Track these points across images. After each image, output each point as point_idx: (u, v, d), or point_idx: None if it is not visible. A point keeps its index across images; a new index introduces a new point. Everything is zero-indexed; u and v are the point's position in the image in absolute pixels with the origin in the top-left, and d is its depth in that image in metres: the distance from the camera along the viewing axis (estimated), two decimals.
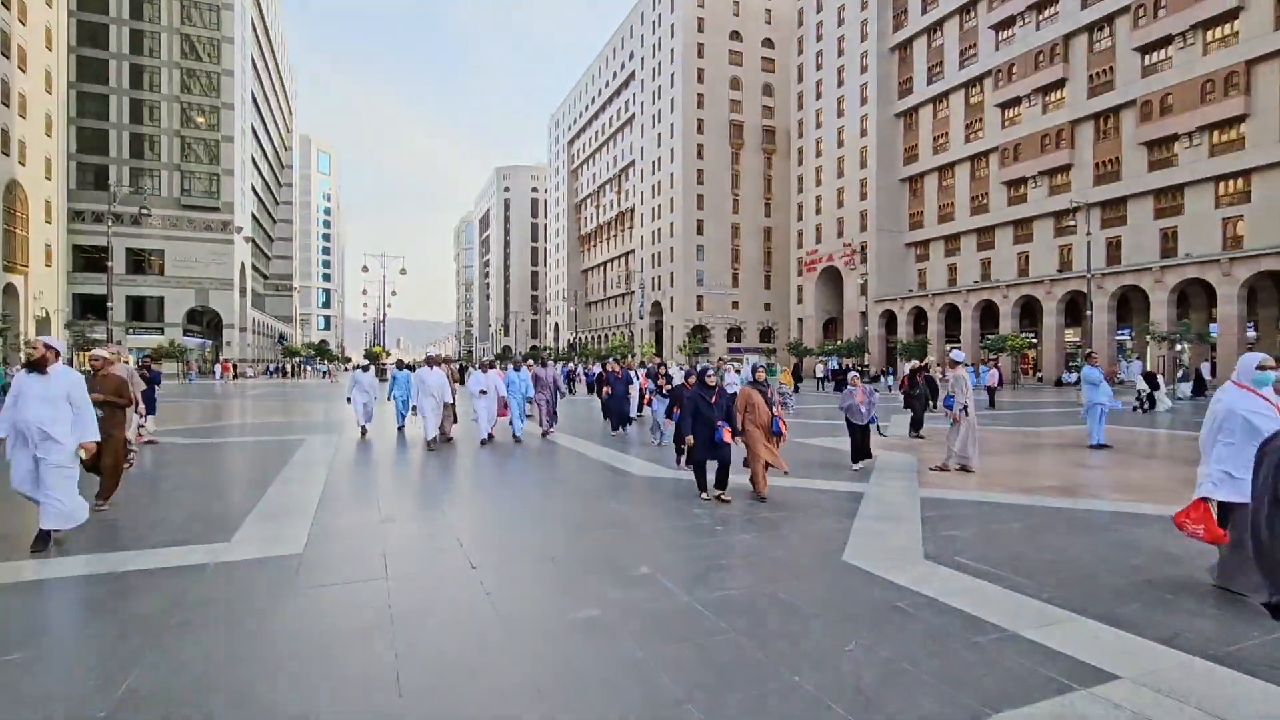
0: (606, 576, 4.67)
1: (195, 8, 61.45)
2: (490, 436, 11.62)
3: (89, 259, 55.58)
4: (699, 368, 7.15)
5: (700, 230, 73.36)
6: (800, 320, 66.77)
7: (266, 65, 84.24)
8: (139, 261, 59.59)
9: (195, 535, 5.71)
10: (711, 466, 7.28)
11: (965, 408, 8.84)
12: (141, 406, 9.11)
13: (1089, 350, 12.28)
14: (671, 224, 75.12)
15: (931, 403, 13.50)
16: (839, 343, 58.34)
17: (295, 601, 4.21)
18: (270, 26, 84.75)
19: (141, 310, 59.73)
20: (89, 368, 6.79)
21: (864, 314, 58.69)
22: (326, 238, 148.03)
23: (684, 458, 8.88)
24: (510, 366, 12.58)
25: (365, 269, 50.19)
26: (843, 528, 6.00)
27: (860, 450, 9.13)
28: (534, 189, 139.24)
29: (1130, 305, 43.06)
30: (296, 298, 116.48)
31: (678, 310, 73.60)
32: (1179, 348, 37.74)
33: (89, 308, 53.26)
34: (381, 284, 49.33)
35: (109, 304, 33.13)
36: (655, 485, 8.10)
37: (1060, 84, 45.91)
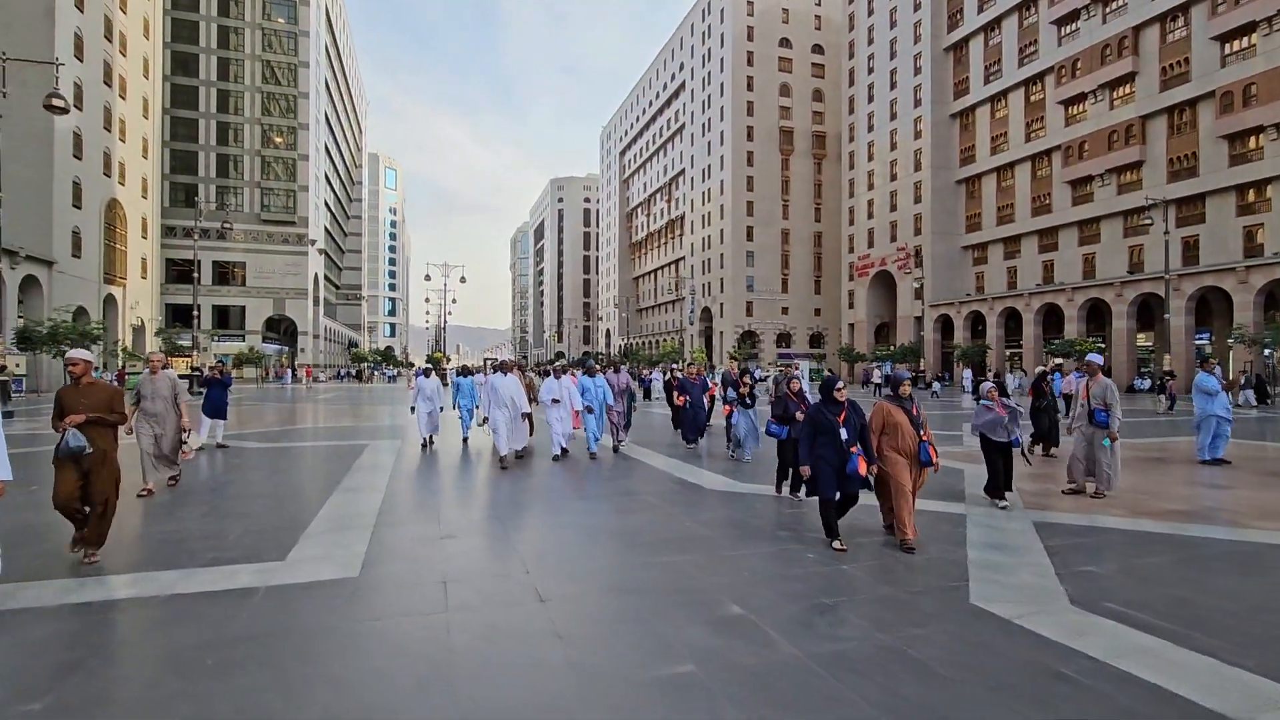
0: (693, 616, 3.93)
1: (275, 36, 63.87)
2: (564, 451, 10.37)
3: (180, 271, 58.23)
4: (825, 377, 5.74)
5: (750, 236, 71.99)
6: (851, 325, 64.64)
7: (339, 87, 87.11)
8: (224, 273, 62.10)
9: (249, 552, 5.24)
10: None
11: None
12: (185, 418, 7.82)
13: (1205, 356, 10.62)
14: (721, 231, 73.98)
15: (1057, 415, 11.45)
16: (892, 348, 56.15)
17: (345, 639, 3.61)
18: (342, 51, 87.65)
19: (225, 318, 62.19)
20: (67, 374, 5.17)
21: (918, 319, 56.38)
22: (392, 249, 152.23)
23: (795, 488, 7.39)
24: (583, 373, 11.30)
25: (428, 278, 51.12)
26: (954, 559, 5.09)
27: (1002, 480, 6.95)
28: (586, 199, 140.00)
29: (1210, 307, 39.79)
30: (365, 306, 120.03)
31: (727, 316, 72.36)
32: (1267, 353, 34.55)
33: (179, 316, 55.76)
34: (443, 292, 49.99)
35: (194, 312, 34.33)
36: (736, 504, 7.31)
37: (1129, 78, 42.95)
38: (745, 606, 4.09)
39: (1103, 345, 44.24)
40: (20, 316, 31.66)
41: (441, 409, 12.56)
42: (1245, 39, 37.19)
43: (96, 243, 42.54)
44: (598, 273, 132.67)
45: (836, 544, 5.35)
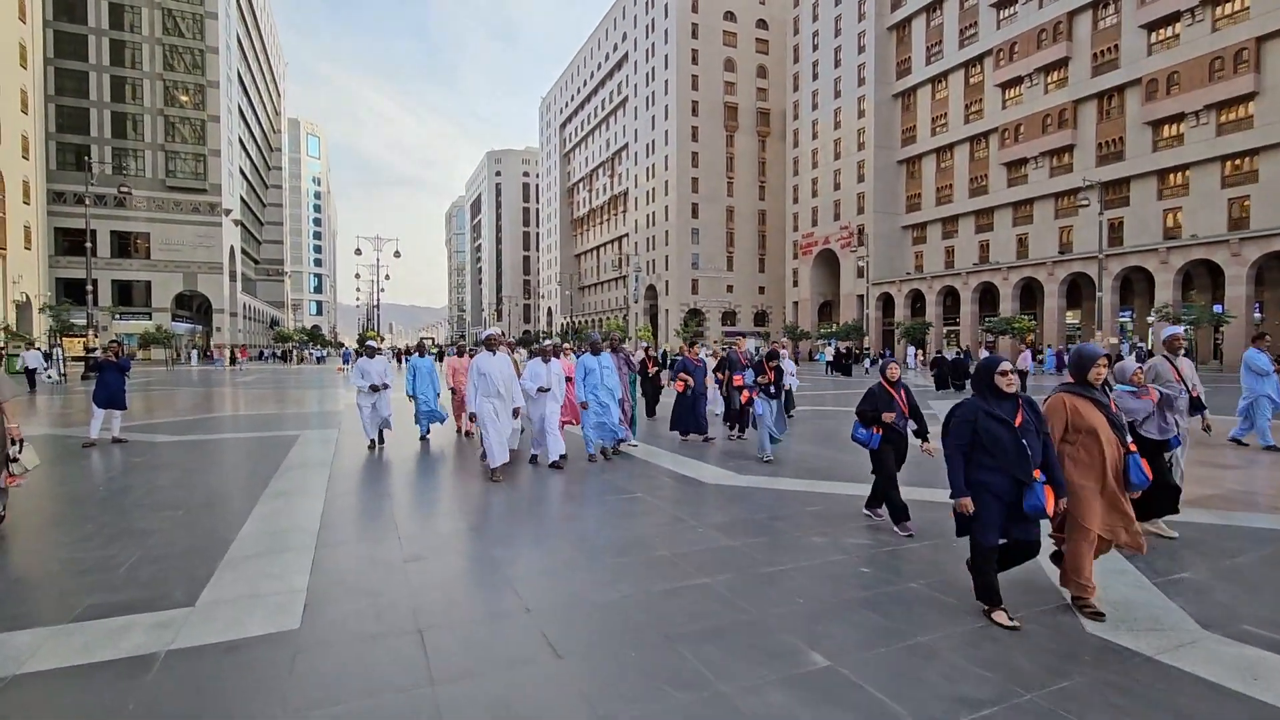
0: (768, 672, 2.98)
1: None
2: (563, 458, 7.92)
3: (73, 242, 52.71)
4: (985, 355, 4.10)
5: (695, 214, 71.30)
6: (796, 304, 65.21)
7: (253, 45, 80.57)
8: (124, 244, 56.70)
9: (147, 592, 3.95)
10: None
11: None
12: (13, 423, 6.65)
13: (1258, 332, 9.66)
14: (666, 207, 72.98)
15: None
16: (835, 326, 56.91)
17: None
18: (256, 5, 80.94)
19: (129, 294, 56.92)
20: None
21: (860, 297, 57.26)
22: (318, 222, 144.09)
23: (900, 515, 5.23)
24: (588, 351, 8.68)
25: (359, 251, 47.95)
26: (1029, 568, 4.34)
27: (1166, 501, 4.71)
28: (525, 173, 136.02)
29: (1133, 287, 41.82)
30: (288, 282, 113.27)
31: (673, 294, 71.70)
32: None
33: (73, 292, 50.44)
34: (376, 267, 47.08)
35: (88, 288, 30.77)
36: (745, 502, 6.40)
37: (1063, 63, 44.22)
38: (828, 652, 3.17)
39: (1034, 323, 46.01)
40: None
41: (385, 387, 9.50)
42: (1170, 28, 38.72)
43: None
44: (538, 249, 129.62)
45: (1001, 616, 3.51)
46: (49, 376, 21.32)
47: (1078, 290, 44.40)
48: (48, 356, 32.82)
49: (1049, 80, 45.18)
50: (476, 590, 4.07)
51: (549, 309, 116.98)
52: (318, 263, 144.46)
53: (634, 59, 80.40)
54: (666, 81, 72.05)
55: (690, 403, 9.95)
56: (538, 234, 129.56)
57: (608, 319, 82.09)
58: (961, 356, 21.44)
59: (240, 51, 71.93)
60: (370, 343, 9.62)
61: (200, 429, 11.80)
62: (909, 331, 45.43)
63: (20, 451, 5.41)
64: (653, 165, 75.87)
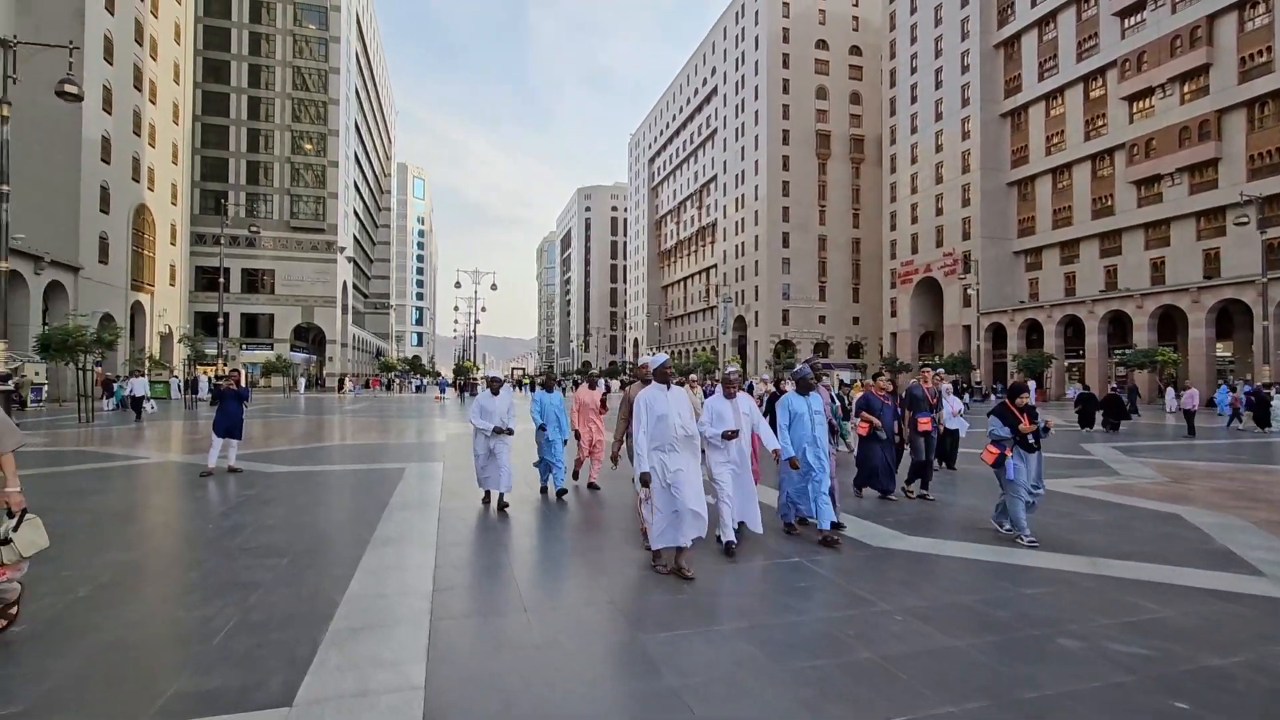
0: None
1: (306, 42, 63.46)
2: (738, 532, 5.84)
3: (209, 279, 57.62)
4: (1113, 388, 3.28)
5: (786, 243, 69.70)
6: (894, 334, 61.87)
7: (369, 95, 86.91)
8: (252, 281, 61.45)
9: (241, 677, 3.23)
10: None
11: None
12: (12, 487, 6.41)
13: None
14: (756, 237, 71.79)
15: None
16: (938, 358, 53.30)
17: None
18: (372, 58, 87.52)
19: (254, 326, 61.47)
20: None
21: (967, 328, 53.52)
22: (420, 259, 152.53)
23: None
24: (794, 388, 6.49)
25: (459, 284, 49.68)
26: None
27: None
28: (614, 208, 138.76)
29: None
30: (393, 315, 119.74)
31: (763, 325, 70.04)
32: None
33: (207, 324, 55.01)
34: (474, 298, 48.45)
35: (219, 320, 33.10)
36: (974, 582, 5.13)
37: (1202, 70, 40.02)
38: None
39: (1176, 355, 41.08)
40: (45, 324, 30.58)
41: (509, 432, 7.36)
42: None
43: (124, 249, 41.74)
44: (625, 281, 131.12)
45: None
46: (151, 406, 21.75)
47: (1228, 319, 39.34)
48: (194, 385, 35.40)
49: (1185, 90, 41.01)
50: (637, 703, 3.08)
51: (635, 340, 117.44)
52: (419, 296, 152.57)
53: (723, 92, 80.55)
54: (757, 112, 71.50)
55: (877, 451, 7.77)
56: (625, 267, 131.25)
57: (698, 350, 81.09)
58: (1116, 391, 18.76)
59: (358, 102, 77.64)
60: (492, 373, 7.79)
61: (310, 459, 11.67)
62: (1027, 364, 41.62)
63: (17, 529, 3.67)
64: (742, 196, 75.11)
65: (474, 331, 50.78)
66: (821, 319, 70.14)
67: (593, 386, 9.11)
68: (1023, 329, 49.64)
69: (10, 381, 19.53)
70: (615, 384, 40.34)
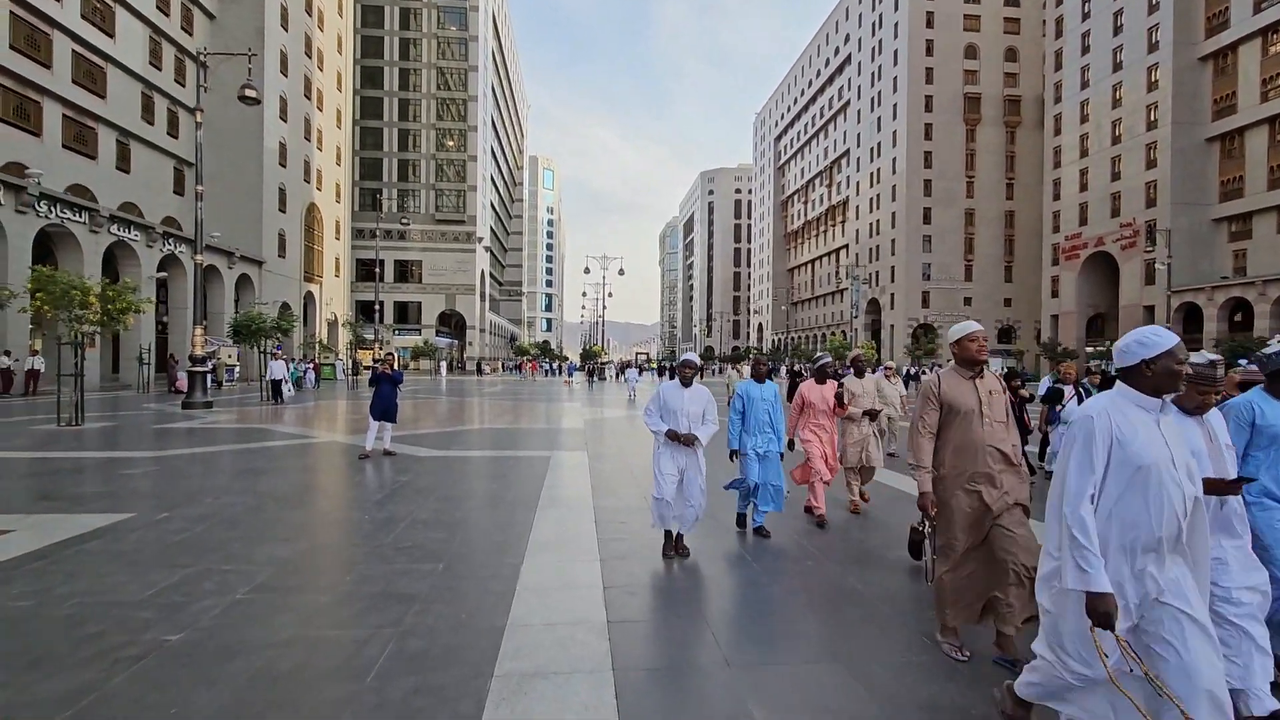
0: None
1: (448, 44, 66.76)
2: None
3: (367, 270, 62.58)
4: None
5: (927, 219, 64.23)
6: (1055, 317, 55.11)
7: (503, 91, 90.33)
8: (403, 271, 66.10)
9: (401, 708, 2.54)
10: None
11: None
12: None
13: None
14: (893, 214, 66.77)
15: None
16: (1110, 344, 46.67)
17: None
18: (506, 55, 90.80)
19: (405, 313, 66.20)
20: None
21: (1149, 309, 46.39)
22: (550, 247, 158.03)
23: None
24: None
25: (587, 270, 50.35)
26: None
27: None
28: (737, 190, 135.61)
29: None
30: (525, 301, 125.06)
31: (899, 308, 65.22)
32: None
33: (365, 311, 59.85)
34: (602, 284, 48.78)
35: (375, 307, 35.55)
36: None
37: None
38: None
39: None
40: (236, 313, 34.24)
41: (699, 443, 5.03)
42: None
43: (298, 244, 46.00)
44: (749, 265, 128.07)
45: None
46: (289, 390, 21.41)
47: None
48: (356, 367, 38.51)
49: None
50: None
51: (759, 325, 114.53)
52: (549, 283, 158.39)
53: (857, 60, 75.38)
54: (895, 79, 66.15)
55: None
56: (749, 250, 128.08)
57: (830, 335, 77.32)
58: None
59: (494, 98, 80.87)
60: (687, 356, 5.04)
61: (457, 443, 11.67)
62: (1233, 350, 35.04)
63: None
64: (877, 170, 70.15)
65: (602, 316, 51.22)
66: (967, 301, 64.16)
67: (823, 379, 6.31)
68: (1224, 309, 42.16)
69: (209, 363, 21.78)
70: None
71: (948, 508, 3.31)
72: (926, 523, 3.65)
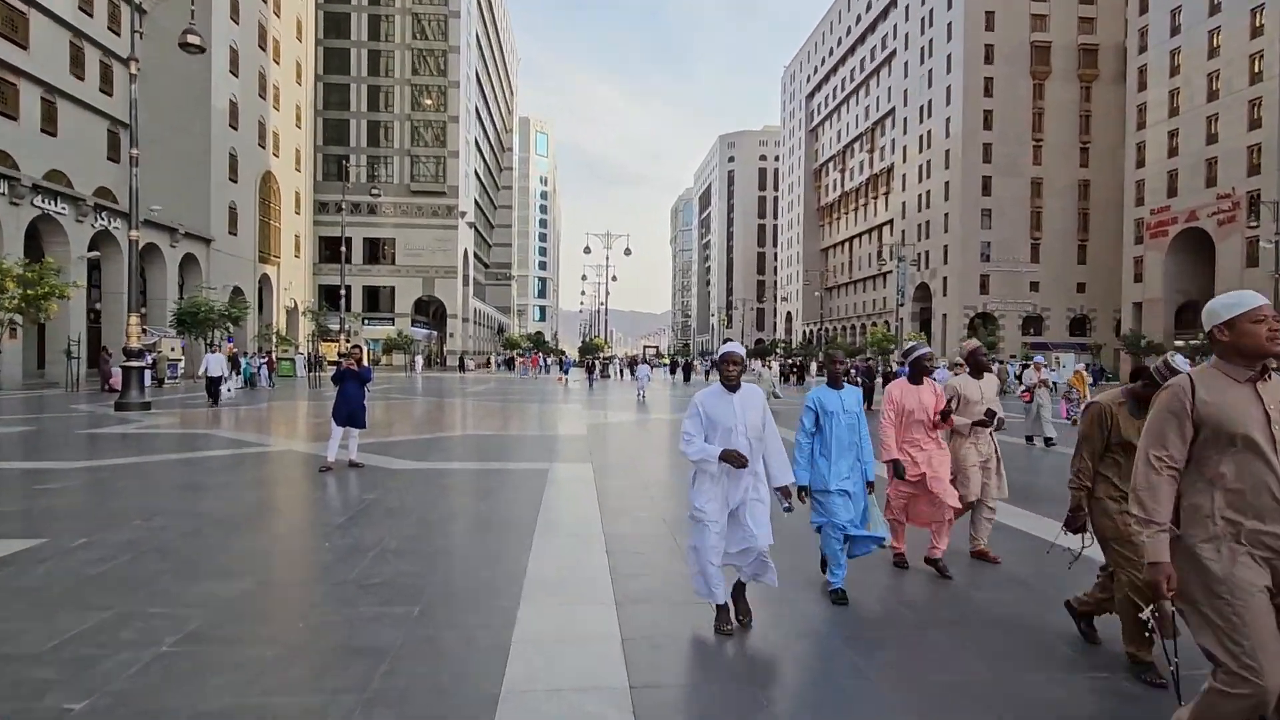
0: None
1: None
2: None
3: (333, 250, 62.52)
4: None
5: (986, 190, 63.70)
6: (1138, 305, 54.49)
7: (490, 42, 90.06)
8: (374, 250, 66.03)
9: None
10: None
11: None
12: None
13: None
14: (945, 184, 66.23)
15: None
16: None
17: None
18: (493, 2, 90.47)
19: (375, 300, 66.16)
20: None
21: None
22: (543, 223, 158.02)
23: None
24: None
25: (588, 250, 50.01)
26: None
27: None
28: (762, 157, 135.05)
29: None
30: (514, 287, 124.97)
31: (953, 294, 64.78)
32: None
33: (330, 298, 59.76)
34: (605, 265, 48.51)
35: (341, 292, 35.40)
36: None
37: None
38: None
39: None
40: (180, 299, 34.14)
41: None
42: None
43: (252, 219, 45.96)
44: (775, 245, 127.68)
45: None
46: (229, 390, 20.86)
47: None
48: (319, 363, 38.38)
49: None
50: None
51: (788, 314, 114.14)
52: (542, 265, 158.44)
53: (904, 3, 74.64)
54: (949, 25, 65.55)
55: None
56: (775, 226, 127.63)
57: (871, 326, 76.87)
58: None
59: (478, 49, 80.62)
60: (729, 347, 4.14)
61: (437, 453, 11.55)
62: None
63: None
64: (928, 133, 69.65)
65: (605, 303, 50.97)
66: (1033, 286, 63.76)
67: (920, 377, 5.38)
68: None
69: (148, 358, 21.60)
70: (774, 366, 38.56)
71: (1212, 594, 2.32)
72: (1154, 613, 2.65)
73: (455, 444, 12.86)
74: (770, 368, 25.16)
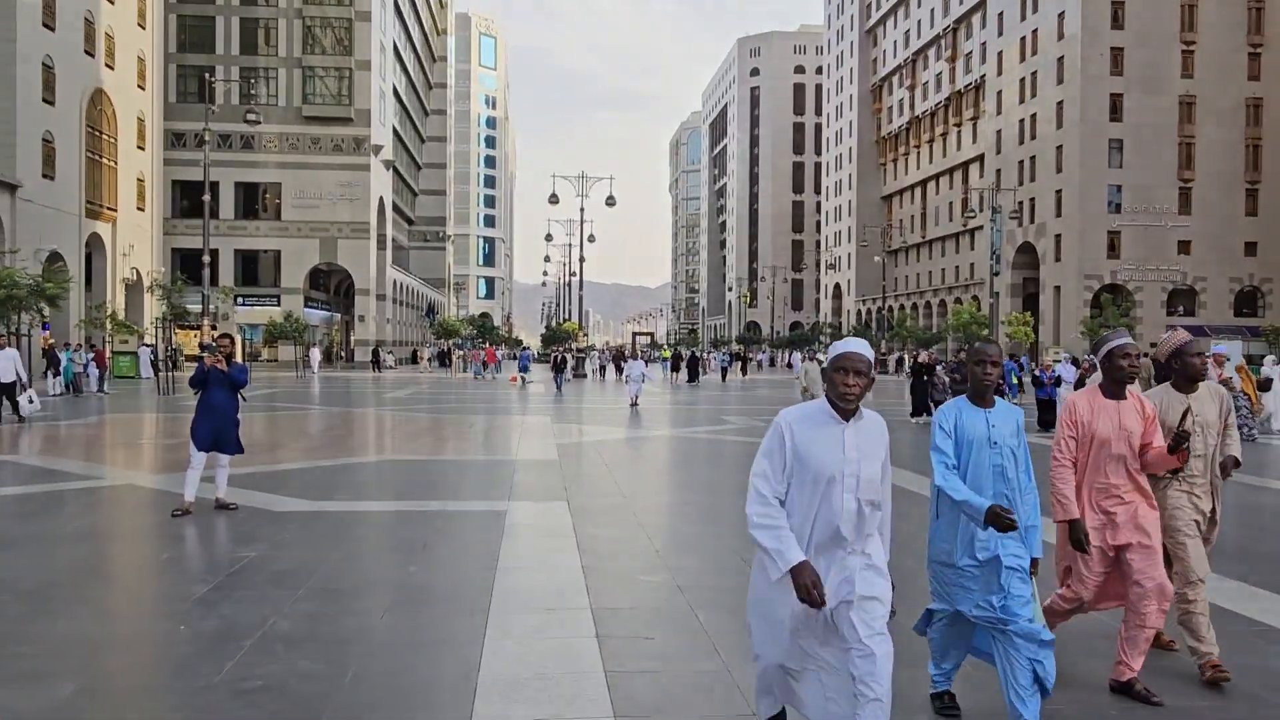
0: None
1: None
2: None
3: (194, 200, 61.85)
4: None
5: (1116, 112, 64.26)
6: None
7: None
8: (250, 201, 65.57)
9: None
10: None
11: None
12: None
13: None
14: (1058, 106, 66.78)
15: None
16: None
17: None
18: None
19: (254, 270, 65.68)
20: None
21: None
22: (490, 163, 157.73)
23: None
24: None
25: (554, 199, 49.81)
26: None
27: None
28: (798, 69, 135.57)
29: None
30: (451, 251, 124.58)
31: (1069, 258, 65.42)
32: None
33: (191, 267, 59.20)
34: (580, 220, 48.34)
35: (206, 260, 35.07)
36: None
37: None
38: None
39: None
40: None
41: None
42: None
43: (77, 156, 45.48)
44: (818, 192, 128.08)
45: None
46: (32, 399, 20.63)
47: None
48: (174, 358, 37.84)
49: None
50: None
51: (836, 285, 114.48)
52: (489, 222, 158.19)
53: None
54: None
55: None
56: (818, 166, 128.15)
57: (954, 303, 77.16)
58: None
59: None
60: (853, 346, 3.52)
61: (343, 487, 11.63)
62: None
63: None
64: (1032, 33, 70.58)
65: (580, 273, 50.82)
66: (1182, 247, 64.40)
67: (1120, 386, 4.88)
68: None
69: None
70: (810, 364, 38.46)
71: None
72: None
73: (370, 474, 12.92)
74: (819, 360, 24.64)
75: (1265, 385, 12.65)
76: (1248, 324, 62.11)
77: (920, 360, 21.63)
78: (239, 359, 10.21)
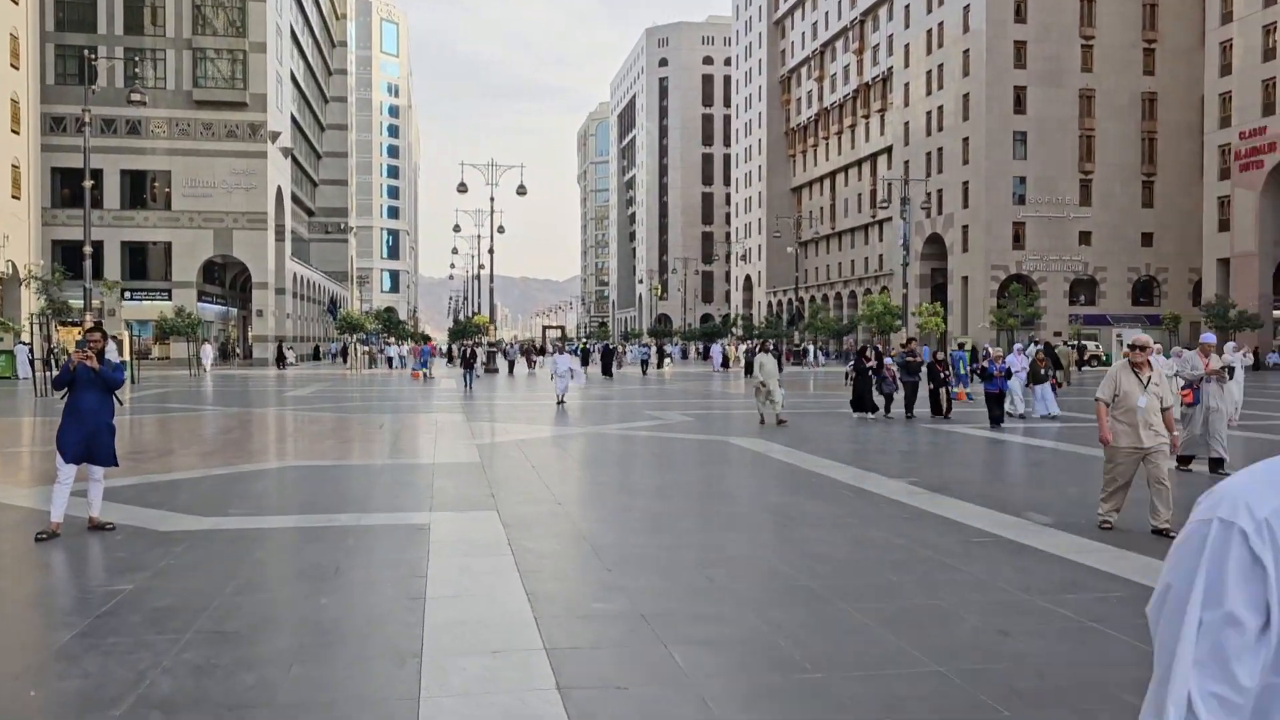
0: None
1: None
2: None
3: (74, 188, 58.69)
4: None
5: (1020, 104, 65.76)
6: (1225, 261, 57.17)
7: None
8: (137, 189, 62.69)
9: None
10: None
11: None
12: None
13: None
14: (965, 97, 68.23)
15: None
16: None
17: None
18: None
19: (143, 263, 62.78)
20: None
21: None
22: (393, 152, 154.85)
23: None
24: None
25: (462, 188, 48.58)
26: None
27: None
28: (707, 59, 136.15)
29: None
30: (353, 244, 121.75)
31: (975, 249, 66.84)
32: None
33: (72, 260, 56.04)
34: (491, 210, 47.28)
35: (87, 251, 32.96)
36: None
37: None
38: None
39: None
40: None
41: None
42: None
43: None
44: (728, 183, 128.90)
45: None
46: None
47: None
48: (53, 358, 35.58)
49: None
50: None
51: (747, 277, 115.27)
52: (393, 214, 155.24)
53: None
54: None
55: None
56: (728, 157, 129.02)
57: (864, 294, 78.01)
58: None
59: None
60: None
61: (241, 497, 10.85)
62: None
63: None
64: (938, 25, 72.04)
65: (490, 265, 49.71)
66: (1084, 238, 66.45)
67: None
68: None
69: None
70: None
71: None
72: None
73: (271, 483, 12.38)
74: (769, 353, 23.88)
75: (1230, 372, 12.30)
76: (1146, 312, 64.28)
77: (867, 355, 21.09)
78: (118, 355, 8.95)
